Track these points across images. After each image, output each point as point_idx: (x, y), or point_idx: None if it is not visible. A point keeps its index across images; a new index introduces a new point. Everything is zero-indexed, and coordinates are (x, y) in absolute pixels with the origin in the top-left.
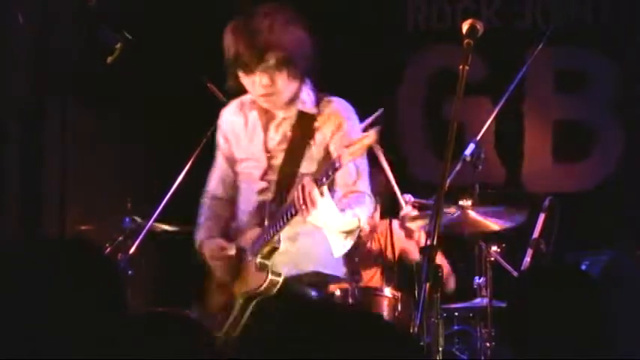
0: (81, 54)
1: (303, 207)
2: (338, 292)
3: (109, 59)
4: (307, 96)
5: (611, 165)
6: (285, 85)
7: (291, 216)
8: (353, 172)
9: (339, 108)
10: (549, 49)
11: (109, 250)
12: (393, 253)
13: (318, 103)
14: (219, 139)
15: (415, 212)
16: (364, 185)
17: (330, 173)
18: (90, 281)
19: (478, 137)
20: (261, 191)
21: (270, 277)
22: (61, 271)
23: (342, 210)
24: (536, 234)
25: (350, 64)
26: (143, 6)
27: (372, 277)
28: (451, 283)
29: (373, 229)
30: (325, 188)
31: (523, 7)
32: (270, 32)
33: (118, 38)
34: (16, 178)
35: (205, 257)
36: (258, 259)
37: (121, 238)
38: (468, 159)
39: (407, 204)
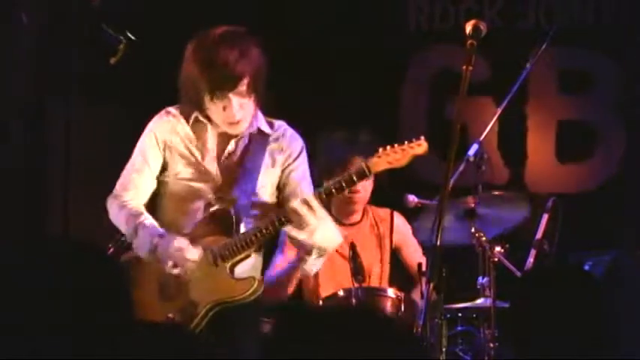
0: (84, 54)
1: (301, 223)
2: (341, 293)
3: (112, 60)
4: (260, 116)
5: (614, 165)
6: (251, 109)
7: (280, 226)
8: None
9: (296, 134)
10: (552, 49)
11: (112, 250)
12: (390, 244)
13: (270, 124)
14: (154, 146)
15: None
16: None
17: (352, 180)
18: (92, 282)
19: (481, 138)
20: (215, 203)
21: (255, 285)
22: (63, 272)
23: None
24: (539, 234)
25: (351, 64)
26: (145, 5)
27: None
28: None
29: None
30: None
31: (526, 8)
32: (241, 59)
33: (120, 38)
34: (19, 178)
35: (159, 258)
36: (229, 266)
37: (123, 238)
38: (471, 159)
39: (410, 204)
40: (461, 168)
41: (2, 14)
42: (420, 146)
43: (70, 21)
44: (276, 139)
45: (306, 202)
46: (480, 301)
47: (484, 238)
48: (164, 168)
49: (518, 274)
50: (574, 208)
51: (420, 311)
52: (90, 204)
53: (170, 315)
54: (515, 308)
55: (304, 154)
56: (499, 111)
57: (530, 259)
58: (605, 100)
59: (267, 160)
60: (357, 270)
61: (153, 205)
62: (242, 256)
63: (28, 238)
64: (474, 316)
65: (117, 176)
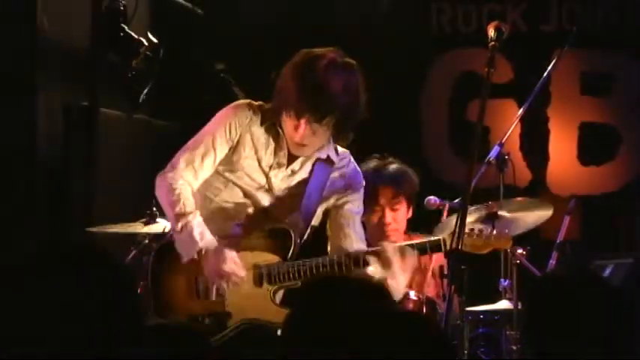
0: (107, 56)
1: (386, 268)
2: None
3: (134, 62)
4: (332, 144)
5: (637, 167)
6: (322, 138)
7: (357, 268)
8: (355, 238)
9: (358, 169)
10: (575, 51)
11: (134, 253)
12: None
13: (336, 151)
14: (226, 135)
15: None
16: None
17: (426, 250)
18: (102, 292)
19: (503, 140)
20: (270, 218)
21: None
22: (73, 282)
23: None
24: (561, 236)
25: (374, 66)
26: (166, 8)
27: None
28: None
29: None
30: None
31: (549, 10)
32: (342, 96)
33: (142, 41)
34: (43, 180)
35: (200, 263)
36: (272, 289)
37: (146, 241)
38: (493, 161)
39: (431, 206)
40: (482, 170)
41: (28, 18)
42: (507, 242)
43: (94, 23)
44: (340, 168)
45: (400, 250)
46: (501, 303)
47: None
48: (225, 161)
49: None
50: (596, 210)
51: (442, 313)
52: (113, 206)
53: (200, 317)
54: (533, 310)
55: (362, 190)
56: (521, 113)
57: (552, 262)
58: (628, 101)
59: (327, 187)
60: None
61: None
62: (291, 284)
63: (51, 241)
64: (496, 318)
65: (141, 178)
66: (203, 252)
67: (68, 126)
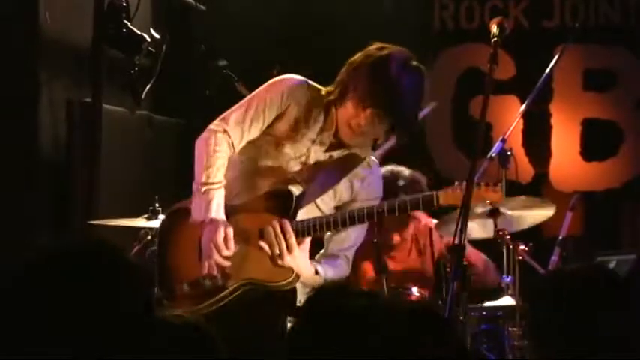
0: (109, 52)
1: (277, 252)
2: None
3: (137, 58)
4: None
5: (639, 163)
6: (377, 133)
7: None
8: (352, 238)
9: (381, 183)
10: (578, 47)
11: (137, 248)
12: (432, 255)
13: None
14: (277, 103)
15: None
16: (352, 253)
17: (418, 206)
18: (108, 285)
19: (506, 136)
20: (285, 182)
21: (292, 277)
22: (80, 281)
23: (316, 272)
24: (563, 232)
25: None
26: (169, 4)
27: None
28: (490, 276)
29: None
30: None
31: (551, 7)
32: (410, 98)
33: (144, 37)
34: (46, 175)
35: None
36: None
37: (149, 237)
38: (496, 157)
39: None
40: (484, 166)
41: (29, 13)
42: (496, 194)
43: (97, 19)
44: (365, 169)
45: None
46: (504, 299)
47: (508, 237)
48: (269, 126)
49: (543, 272)
50: (598, 206)
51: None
52: (116, 202)
53: (200, 279)
54: (537, 307)
55: (377, 202)
56: (524, 109)
57: (555, 258)
58: (630, 98)
59: (346, 179)
60: (381, 268)
61: None
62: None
63: (53, 238)
64: (498, 314)
65: (143, 174)
66: (206, 220)
67: (71, 122)
